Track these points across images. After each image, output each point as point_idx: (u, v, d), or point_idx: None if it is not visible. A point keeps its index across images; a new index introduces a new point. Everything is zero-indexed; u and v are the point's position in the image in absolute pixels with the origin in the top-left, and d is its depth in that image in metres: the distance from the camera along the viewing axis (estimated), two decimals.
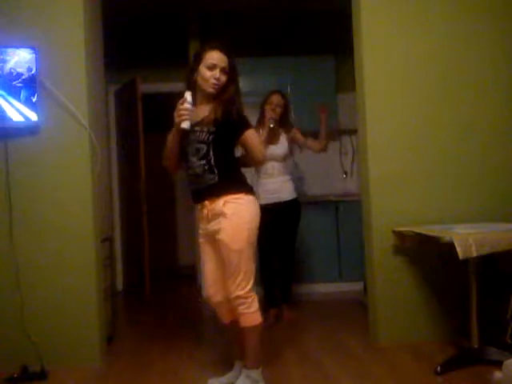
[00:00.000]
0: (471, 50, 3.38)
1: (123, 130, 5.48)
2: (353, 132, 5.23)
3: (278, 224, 4.00)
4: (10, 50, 2.99)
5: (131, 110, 5.05)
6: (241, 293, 2.49)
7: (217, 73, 2.50)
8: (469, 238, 2.61)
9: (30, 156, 3.11)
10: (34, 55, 3.01)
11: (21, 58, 3.00)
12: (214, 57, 2.51)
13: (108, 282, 3.61)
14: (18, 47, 3.00)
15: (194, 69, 2.55)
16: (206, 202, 2.54)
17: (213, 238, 2.57)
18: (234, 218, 2.49)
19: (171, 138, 2.61)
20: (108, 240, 3.71)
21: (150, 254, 5.05)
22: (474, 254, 2.60)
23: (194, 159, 2.54)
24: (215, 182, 2.51)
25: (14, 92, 3.00)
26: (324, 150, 4.18)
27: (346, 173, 5.68)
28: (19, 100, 3.01)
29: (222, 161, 2.54)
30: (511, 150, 3.38)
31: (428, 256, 3.29)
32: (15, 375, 2.91)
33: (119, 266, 5.59)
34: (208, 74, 2.50)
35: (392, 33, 3.36)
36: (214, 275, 2.64)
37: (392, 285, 3.33)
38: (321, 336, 3.64)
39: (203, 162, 2.52)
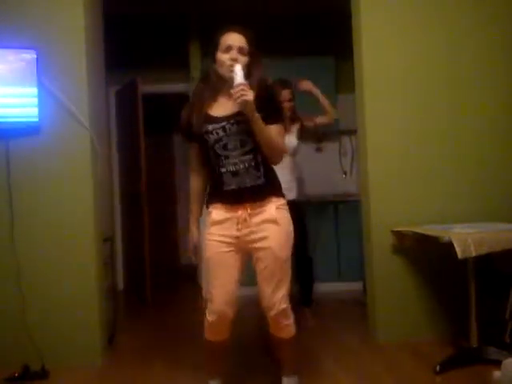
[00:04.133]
0: (470, 50, 3.39)
1: (124, 130, 5.49)
2: (352, 132, 5.24)
3: None
4: (11, 51, 3.00)
5: (132, 111, 5.05)
6: (285, 306, 2.32)
7: (233, 54, 2.23)
8: (468, 238, 2.62)
9: (31, 156, 3.12)
10: (36, 56, 3.02)
11: (22, 59, 3.01)
12: (229, 38, 2.26)
13: (109, 282, 3.62)
14: (19, 48, 3.01)
15: (212, 60, 2.29)
16: (247, 205, 2.28)
17: (245, 246, 2.32)
18: (284, 225, 2.33)
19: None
20: (109, 240, 3.73)
21: (150, 254, 5.04)
22: (473, 254, 2.61)
23: (234, 153, 2.26)
24: (261, 182, 2.29)
25: (15, 92, 3.01)
26: (333, 118, 3.90)
27: (345, 173, 5.69)
28: (20, 100, 3.02)
29: (265, 157, 2.31)
30: (510, 151, 3.40)
31: (427, 256, 3.30)
32: (16, 374, 2.91)
33: (120, 266, 5.61)
34: (224, 56, 2.24)
35: (392, 33, 3.37)
36: (233, 290, 2.34)
37: (391, 284, 3.34)
38: (320, 335, 3.64)
39: (249, 156, 2.26)
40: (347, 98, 5.13)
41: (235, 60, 2.22)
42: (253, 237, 2.30)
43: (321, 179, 5.54)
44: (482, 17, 3.39)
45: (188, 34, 5.43)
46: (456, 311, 3.23)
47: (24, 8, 3.11)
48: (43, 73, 3.07)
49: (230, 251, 2.32)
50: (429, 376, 2.77)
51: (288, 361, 2.51)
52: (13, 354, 3.06)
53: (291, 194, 3.87)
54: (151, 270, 5.02)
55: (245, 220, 2.29)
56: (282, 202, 2.36)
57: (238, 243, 2.32)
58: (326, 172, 5.60)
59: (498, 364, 2.27)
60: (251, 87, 2.17)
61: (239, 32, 2.28)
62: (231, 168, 2.27)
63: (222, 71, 2.27)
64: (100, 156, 3.30)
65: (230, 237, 2.32)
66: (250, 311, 3.49)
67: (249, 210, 2.29)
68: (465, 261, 2.75)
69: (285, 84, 3.91)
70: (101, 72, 3.69)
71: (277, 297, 2.30)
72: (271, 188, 2.34)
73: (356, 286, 4.80)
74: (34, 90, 3.03)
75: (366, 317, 3.54)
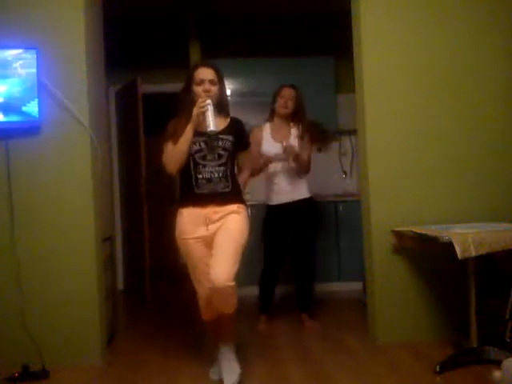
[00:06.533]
0: (471, 50, 3.39)
1: (124, 130, 5.49)
2: (352, 132, 5.24)
3: (289, 225, 3.86)
4: (11, 51, 3.00)
5: (132, 111, 5.05)
6: (233, 283, 2.58)
7: (206, 86, 2.71)
8: (468, 238, 2.62)
9: (31, 156, 3.12)
10: (36, 55, 3.02)
11: (22, 59, 3.01)
12: (201, 73, 2.74)
13: (109, 282, 3.62)
14: (19, 47, 3.01)
15: (189, 91, 2.76)
16: (214, 206, 2.70)
17: (211, 237, 2.69)
18: (244, 219, 2.74)
19: (187, 138, 2.68)
20: (109, 239, 3.72)
21: (150, 254, 5.05)
22: (473, 254, 2.61)
23: (212, 164, 2.70)
24: (229, 189, 2.74)
25: (15, 92, 3.01)
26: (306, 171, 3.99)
27: (345, 173, 5.70)
28: (20, 100, 3.02)
29: (233, 170, 2.82)
30: (510, 151, 3.40)
31: (427, 256, 3.29)
32: (16, 374, 2.92)
33: (120, 266, 5.61)
34: (199, 89, 2.72)
35: (392, 33, 3.37)
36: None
37: (391, 284, 3.34)
38: (320, 335, 3.64)
39: (222, 168, 2.72)
40: (347, 97, 5.14)
41: (208, 91, 2.71)
42: (217, 228, 2.69)
43: (321, 179, 5.53)
44: (482, 17, 3.39)
45: (188, 34, 5.44)
46: (456, 311, 3.23)
47: (24, 8, 3.11)
48: (43, 73, 3.07)
49: (202, 246, 2.72)
50: (429, 376, 2.77)
51: (230, 332, 2.81)
52: (13, 354, 3.06)
53: (296, 195, 3.86)
54: (151, 270, 5.02)
55: (212, 215, 2.69)
56: (242, 205, 2.79)
57: (207, 237, 2.71)
58: (326, 172, 5.60)
59: (498, 364, 2.28)
60: (230, 117, 2.82)
61: (208, 66, 2.77)
62: (207, 175, 2.71)
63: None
64: (100, 156, 3.30)
65: (201, 232, 2.71)
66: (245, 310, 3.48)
67: (215, 209, 2.70)
68: (465, 261, 2.75)
69: (286, 84, 3.86)
70: (101, 72, 3.69)
71: (226, 272, 2.56)
72: (236, 195, 2.80)
73: (356, 285, 4.79)
74: (34, 90, 3.02)
75: (366, 317, 3.54)
